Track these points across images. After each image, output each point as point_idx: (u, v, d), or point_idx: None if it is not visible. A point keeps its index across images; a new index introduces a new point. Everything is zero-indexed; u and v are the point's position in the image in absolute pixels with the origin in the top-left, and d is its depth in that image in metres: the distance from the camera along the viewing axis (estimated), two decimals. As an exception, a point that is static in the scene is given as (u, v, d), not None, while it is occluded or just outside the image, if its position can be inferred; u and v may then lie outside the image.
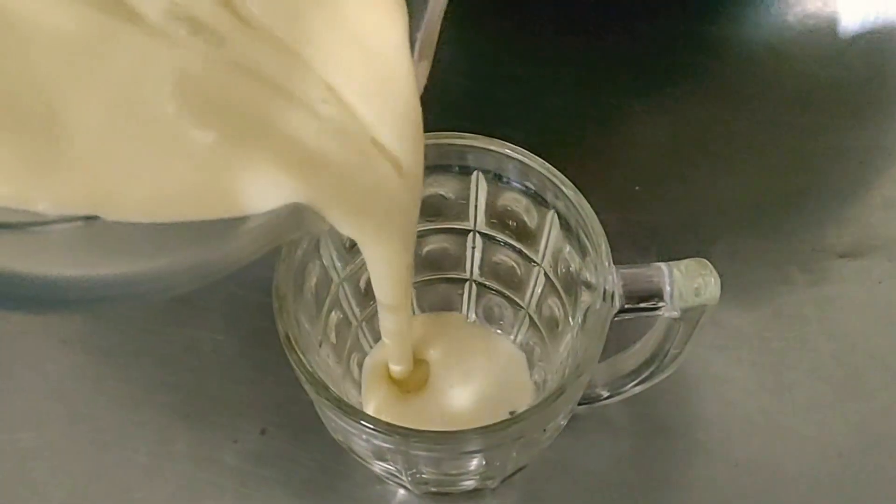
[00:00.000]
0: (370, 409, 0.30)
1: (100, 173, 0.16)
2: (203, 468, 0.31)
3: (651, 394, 0.29)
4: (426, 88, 0.20)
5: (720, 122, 0.39)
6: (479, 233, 0.29)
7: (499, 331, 0.32)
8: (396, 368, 0.29)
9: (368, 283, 0.28)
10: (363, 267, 0.28)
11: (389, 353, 0.29)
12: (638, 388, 0.28)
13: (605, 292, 0.23)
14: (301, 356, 0.22)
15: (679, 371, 0.28)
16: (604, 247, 0.24)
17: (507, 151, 0.25)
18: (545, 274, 0.28)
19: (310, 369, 0.22)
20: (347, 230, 0.20)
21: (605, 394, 0.29)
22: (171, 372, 0.33)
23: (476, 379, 0.31)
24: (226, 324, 0.33)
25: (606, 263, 0.23)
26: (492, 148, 0.25)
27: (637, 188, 0.37)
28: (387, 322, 0.27)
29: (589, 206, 0.24)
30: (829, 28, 0.41)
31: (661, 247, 0.35)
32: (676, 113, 0.39)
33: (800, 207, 0.37)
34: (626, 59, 0.41)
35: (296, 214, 0.18)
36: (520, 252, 0.29)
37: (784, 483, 0.31)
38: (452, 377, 0.31)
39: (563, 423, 0.26)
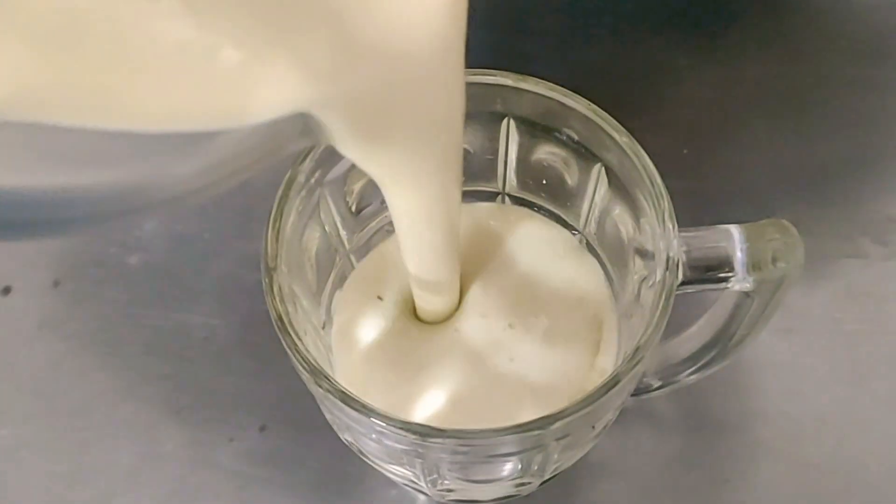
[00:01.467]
0: (363, 346, 0.25)
1: (72, 70, 0.12)
2: (195, 470, 0.29)
3: (705, 385, 0.27)
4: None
5: (777, 77, 0.36)
6: (510, 196, 0.26)
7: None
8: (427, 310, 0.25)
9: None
10: (375, 235, 0.26)
11: (418, 303, 0.24)
12: (693, 378, 0.26)
13: (668, 260, 0.20)
14: (296, 340, 0.20)
15: (737, 359, 0.26)
16: (666, 205, 0.21)
17: (545, 91, 0.22)
18: (587, 243, 0.26)
19: (306, 355, 0.20)
20: (365, 157, 0.17)
21: (656, 383, 0.27)
22: (159, 362, 0.31)
23: (532, 294, 0.25)
24: (221, 307, 0.32)
25: (670, 225, 0.20)
26: (525, 87, 0.22)
27: (685, 152, 0.34)
28: (422, 303, 0.23)
29: (647, 156, 0.20)
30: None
31: (714, 217, 0.32)
32: (727, 67, 0.37)
33: (870, 171, 0.34)
34: (670, 8, 0.38)
35: (292, 128, 0.15)
36: (557, 218, 0.26)
37: (865, 486, 0.29)
38: (494, 295, 0.25)
39: (613, 417, 0.24)
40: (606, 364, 0.24)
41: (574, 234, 0.26)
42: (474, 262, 0.25)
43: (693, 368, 0.26)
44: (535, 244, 0.26)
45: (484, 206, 0.26)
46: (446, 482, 0.23)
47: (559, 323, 0.25)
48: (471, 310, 0.25)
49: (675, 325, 0.24)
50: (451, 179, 0.19)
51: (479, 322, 0.24)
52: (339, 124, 0.15)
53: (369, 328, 0.25)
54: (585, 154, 0.23)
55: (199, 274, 0.32)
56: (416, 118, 0.17)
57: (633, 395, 0.26)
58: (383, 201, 0.20)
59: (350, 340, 0.25)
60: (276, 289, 0.20)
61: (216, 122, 0.13)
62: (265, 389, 0.30)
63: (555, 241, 0.26)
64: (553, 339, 0.24)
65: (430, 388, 0.24)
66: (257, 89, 0.13)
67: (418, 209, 0.19)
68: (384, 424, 0.19)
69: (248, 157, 0.14)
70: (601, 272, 0.25)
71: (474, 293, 0.25)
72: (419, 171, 0.18)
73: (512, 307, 0.25)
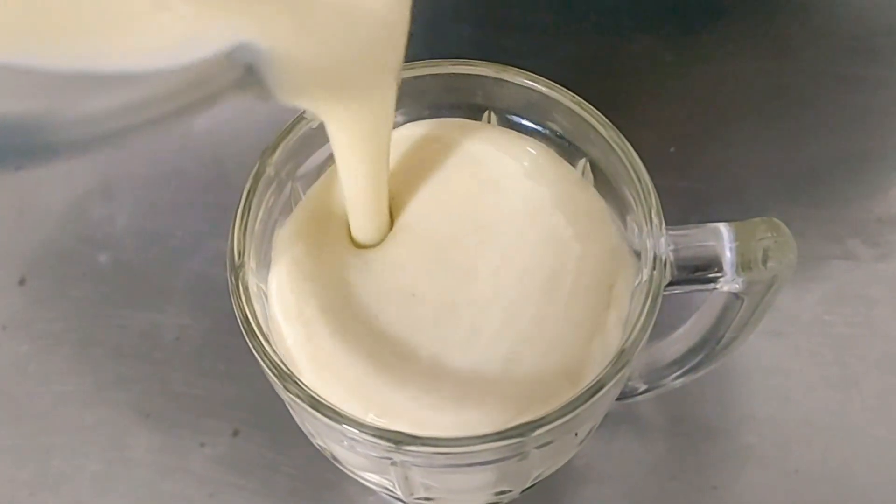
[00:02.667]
0: (301, 277, 0.21)
1: None
2: (166, 476, 0.29)
3: (692, 389, 0.27)
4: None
5: (766, 74, 0.36)
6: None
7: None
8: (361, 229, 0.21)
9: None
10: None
11: (350, 209, 0.21)
12: (680, 381, 0.26)
13: (655, 259, 0.20)
14: (263, 342, 0.19)
15: (725, 363, 0.26)
16: (654, 201, 0.20)
17: (526, 82, 0.22)
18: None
19: (274, 358, 0.19)
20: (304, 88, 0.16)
21: (642, 387, 0.26)
22: (128, 364, 0.30)
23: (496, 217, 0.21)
24: (192, 307, 0.31)
25: (657, 221, 0.20)
26: (506, 78, 0.22)
27: (671, 150, 0.34)
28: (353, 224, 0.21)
29: (634, 151, 0.20)
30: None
31: (702, 217, 0.32)
32: (715, 64, 0.36)
33: (861, 171, 0.34)
34: (657, 3, 0.38)
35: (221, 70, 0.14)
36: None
37: (853, 493, 0.28)
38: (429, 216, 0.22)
39: (598, 423, 0.23)
40: (614, 332, 0.21)
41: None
42: (427, 183, 0.22)
43: (680, 372, 0.25)
44: (520, 172, 0.22)
45: (468, 122, 0.23)
46: (422, 490, 0.22)
47: (549, 271, 0.21)
48: (400, 232, 0.22)
49: (661, 326, 0.23)
50: (386, 113, 0.18)
51: (406, 248, 0.21)
52: (281, 72, 0.15)
53: (308, 269, 0.21)
54: (570, 149, 0.22)
55: (170, 273, 0.32)
56: (359, 64, 0.16)
57: (618, 399, 0.25)
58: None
59: (289, 287, 0.21)
60: (242, 288, 0.19)
61: (140, 60, 0.12)
62: (238, 393, 0.30)
63: (548, 169, 0.22)
64: (544, 296, 0.21)
65: (360, 328, 0.20)
66: (186, 26, 0.12)
67: (354, 140, 0.18)
68: (356, 431, 0.18)
69: (174, 101, 0.13)
70: (609, 211, 0.22)
71: (410, 212, 0.22)
72: (356, 111, 0.17)
73: (464, 231, 0.21)
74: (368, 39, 0.15)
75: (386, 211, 0.21)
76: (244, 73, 0.14)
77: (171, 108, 0.13)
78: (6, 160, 0.12)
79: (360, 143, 0.18)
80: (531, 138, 0.23)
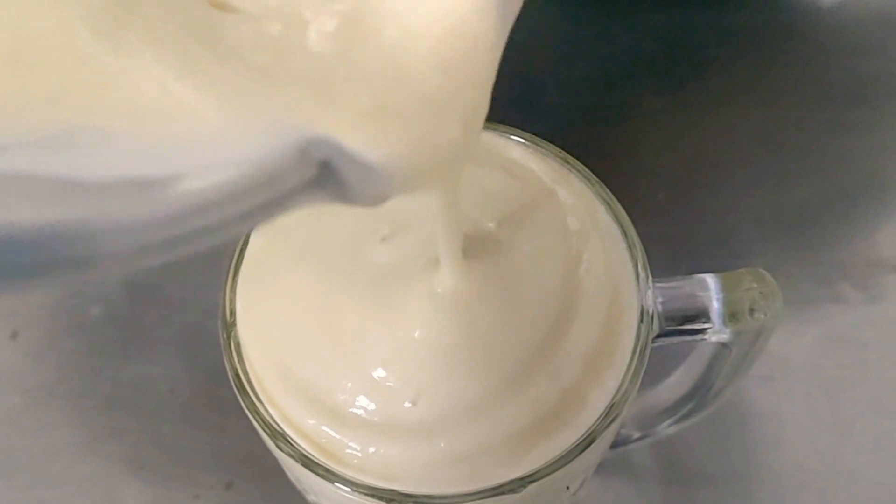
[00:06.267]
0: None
1: None
2: None
3: (686, 435, 0.27)
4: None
5: (753, 120, 0.36)
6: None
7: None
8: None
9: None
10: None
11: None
12: (673, 429, 0.26)
13: (643, 312, 0.19)
14: (255, 400, 0.19)
15: (717, 409, 0.25)
16: (640, 255, 0.20)
17: (515, 138, 0.21)
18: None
19: (266, 416, 0.19)
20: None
21: (635, 435, 0.26)
22: (120, 416, 0.30)
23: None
24: (184, 359, 0.31)
25: (644, 275, 0.19)
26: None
27: (660, 196, 0.34)
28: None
29: (620, 205, 0.20)
30: (870, 16, 0.39)
31: (691, 263, 0.32)
32: (702, 111, 0.36)
33: (848, 215, 0.34)
34: (643, 53, 0.38)
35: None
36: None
37: None
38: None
39: (589, 474, 0.22)
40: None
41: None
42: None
43: (672, 420, 0.25)
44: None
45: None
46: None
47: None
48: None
49: (653, 372, 0.23)
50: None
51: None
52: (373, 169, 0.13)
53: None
54: (557, 202, 0.22)
55: (162, 325, 0.31)
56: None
57: (611, 447, 0.25)
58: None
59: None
60: (234, 345, 0.19)
61: (186, 161, 0.11)
62: (231, 444, 0.29)
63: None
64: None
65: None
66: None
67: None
68: (348, 489, 0.18)
69: (234, 206, 0.11)
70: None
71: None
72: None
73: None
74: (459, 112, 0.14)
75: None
76: (319, 170, 0.12)
77: (231, 213, 0.11)
78: (43, 274, 0.11)
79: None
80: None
